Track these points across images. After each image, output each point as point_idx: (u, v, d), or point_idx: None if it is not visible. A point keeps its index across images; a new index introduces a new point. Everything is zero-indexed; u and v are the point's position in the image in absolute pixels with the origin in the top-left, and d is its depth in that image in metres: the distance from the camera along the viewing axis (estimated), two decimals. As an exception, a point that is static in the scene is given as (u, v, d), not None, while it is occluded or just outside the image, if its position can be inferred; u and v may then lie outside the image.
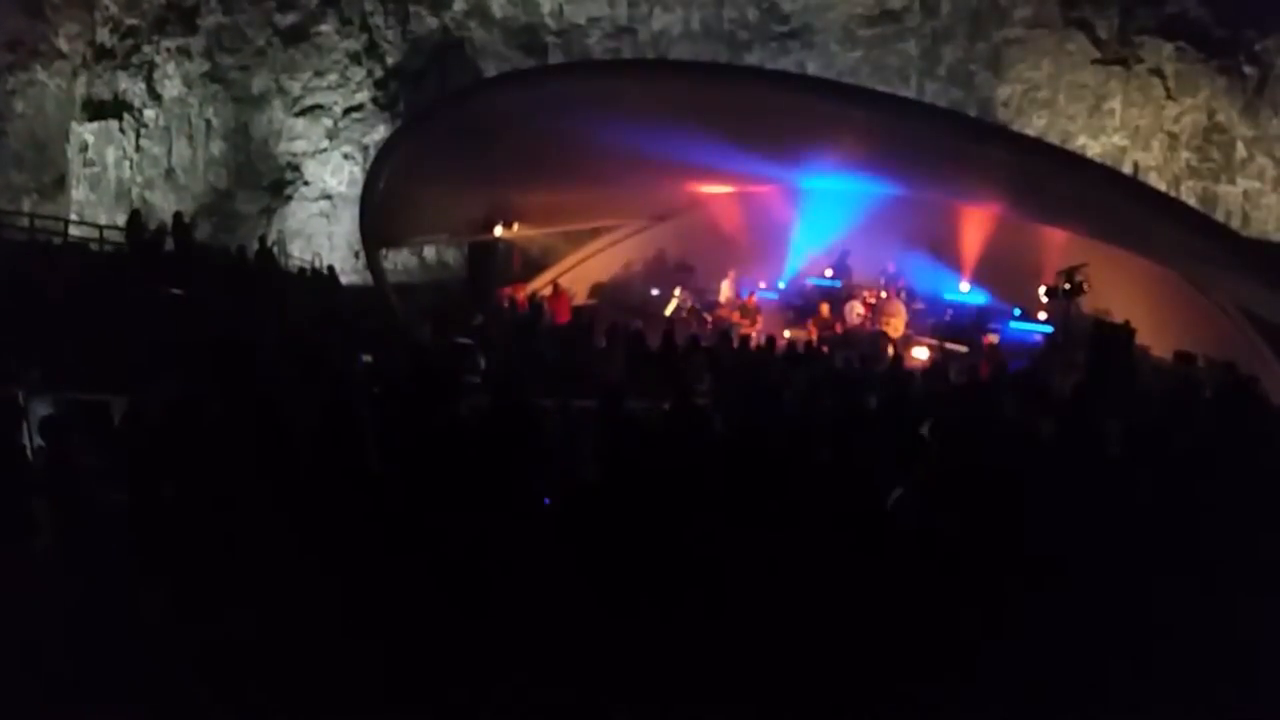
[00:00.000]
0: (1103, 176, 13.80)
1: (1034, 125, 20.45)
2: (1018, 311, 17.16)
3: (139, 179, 26.50)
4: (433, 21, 24.65)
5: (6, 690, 4.01)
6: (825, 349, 15.55)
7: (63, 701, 4.01)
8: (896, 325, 17.20)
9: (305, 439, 4.84)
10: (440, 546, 3.92)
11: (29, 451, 6.06)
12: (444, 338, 13.20)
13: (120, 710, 3.99)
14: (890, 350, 16.01)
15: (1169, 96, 20.23)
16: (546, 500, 4.48)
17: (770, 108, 13.42)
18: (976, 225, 17.25)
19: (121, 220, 21.34)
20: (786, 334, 17.19)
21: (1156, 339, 14.90)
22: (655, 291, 19.66)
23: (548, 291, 19.48)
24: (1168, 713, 3.67)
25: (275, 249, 20.92)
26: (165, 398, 5.57)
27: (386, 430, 5.05)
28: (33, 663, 4.12)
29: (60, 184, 27.60)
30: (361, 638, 3.86)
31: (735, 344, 14.37)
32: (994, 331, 16.53)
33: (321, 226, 25.26)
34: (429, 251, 24.11)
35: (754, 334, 16.34)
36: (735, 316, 17.99)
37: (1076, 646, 3.72)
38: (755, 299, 18.39)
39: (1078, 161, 14.82)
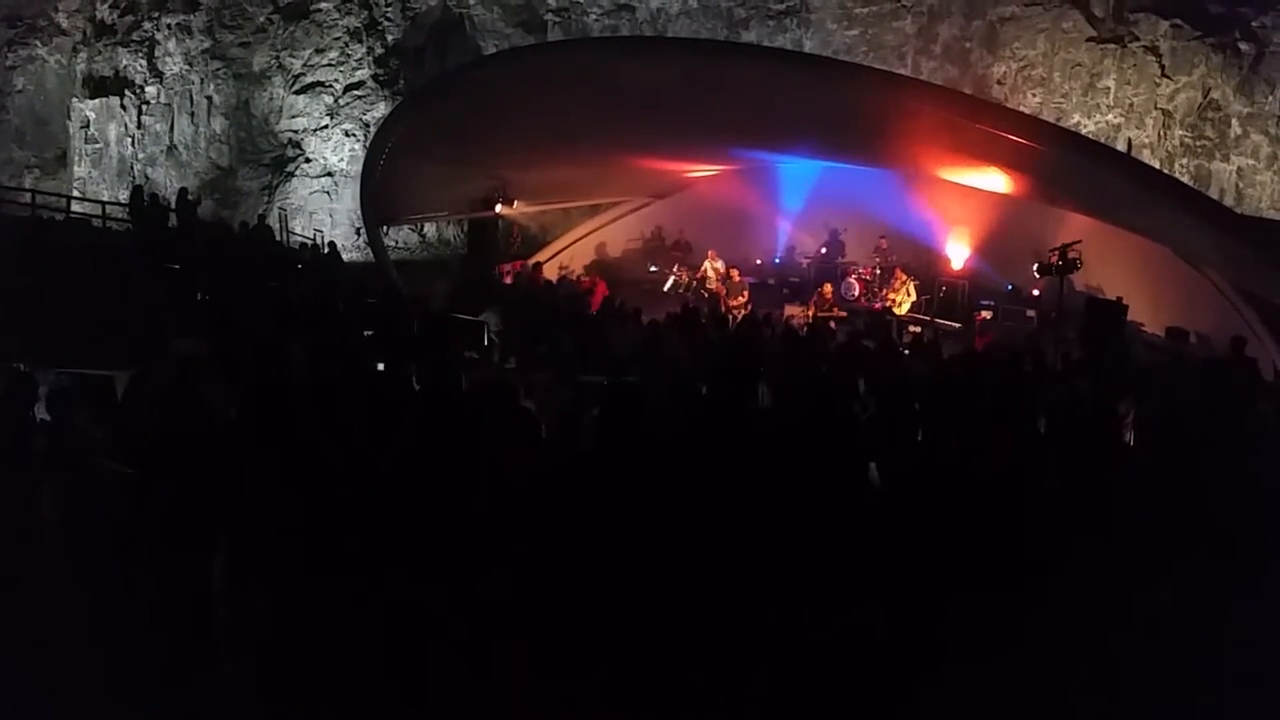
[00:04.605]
0: (1097, 154, 13.88)
1: (1029, 103, 20.53)
2: (1010, 287, 17.27)
3: (141, 156, 26.62)
4: (433, -1, 24.73)
5: (11, 664, 4.12)
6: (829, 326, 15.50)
7: (62, 673, 4.10)
8: (903, 303, 17.21)
9: (304, 410, 4.94)
10: (427, 516, 3.99)
11: (33, 426, 6.18)
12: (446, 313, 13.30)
13: (117, 681, 4.09)
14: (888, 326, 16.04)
15: (1164, 74, 20.28)
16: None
17: (767, 85, 13.47)
18: (969, 202, 17.31)
19: (123, 197, 21.51)
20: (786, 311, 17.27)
21: (1149, 315, 15.05)
22: (653, 268, 19.80)
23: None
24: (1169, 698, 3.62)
25: (277, 226, 21.07)
26: (167, 374, 5.67)
27: (386, 401, 5.13)
28: (37, 637, 4.22)
29: (62, 160, 27.72)
30: (348, 605, 3.93)
31: (730, 321, 14.47)
32: (986, 308, 16.66)
33: (323, 203, 25.40)
34: (429, 228, 24.25)
35: (738, 309, 16.35)
36: (718, 290, 17.94)
37: (1072, 632, 3.68)
38: (737, 274, 18.22)
39: (1072, 139, 14.89)
